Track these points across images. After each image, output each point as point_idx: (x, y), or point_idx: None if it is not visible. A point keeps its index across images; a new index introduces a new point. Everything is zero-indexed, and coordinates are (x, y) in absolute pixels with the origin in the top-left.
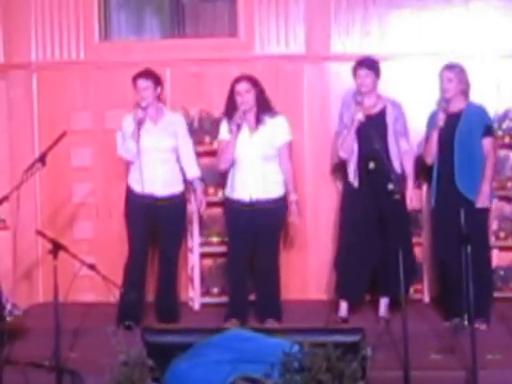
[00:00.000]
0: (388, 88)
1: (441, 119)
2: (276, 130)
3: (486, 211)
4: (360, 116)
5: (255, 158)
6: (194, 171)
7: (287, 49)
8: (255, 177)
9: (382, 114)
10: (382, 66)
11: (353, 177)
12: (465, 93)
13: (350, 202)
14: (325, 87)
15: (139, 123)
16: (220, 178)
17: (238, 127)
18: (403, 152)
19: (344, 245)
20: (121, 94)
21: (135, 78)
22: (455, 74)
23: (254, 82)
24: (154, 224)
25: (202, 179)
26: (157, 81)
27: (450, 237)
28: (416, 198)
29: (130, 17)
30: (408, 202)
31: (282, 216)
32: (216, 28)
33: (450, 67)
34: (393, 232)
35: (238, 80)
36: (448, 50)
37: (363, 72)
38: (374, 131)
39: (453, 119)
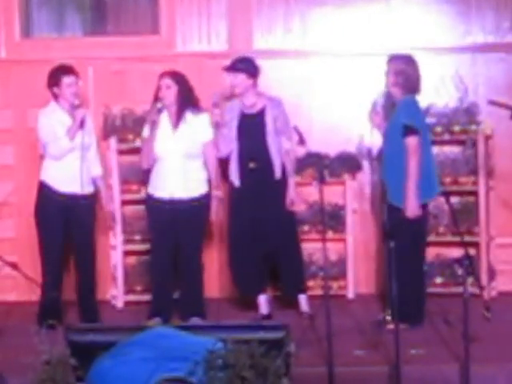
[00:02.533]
0: (311, 85)
1: (373, 118)
2: (199, 127)
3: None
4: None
5: (176, 156)
6: (98, 170)
7: (209, 46)
8: (176, 174)
9: (261, 113)
10: (305, 63)
11: (234, 176)
12: (399, 86)
13: (233, 201)
14: None
15: (82, 122)
16: (143, 176)
17: (154, 124)
18: (284, 151)
19: (232, 242)
20: (43, 92)
21: (64, 74)
22: (389, 66)
23: (178, 78)
24: (70, 223)
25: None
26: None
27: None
28: (298, 198)
29: (51, 14)
30: (288, 202)
31: (204, 214)
32: (138, 25)
33: (387, 59)
34: (276, 232)
35: (161, 75)
36: (370, 47)
37: (231, 75)
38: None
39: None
